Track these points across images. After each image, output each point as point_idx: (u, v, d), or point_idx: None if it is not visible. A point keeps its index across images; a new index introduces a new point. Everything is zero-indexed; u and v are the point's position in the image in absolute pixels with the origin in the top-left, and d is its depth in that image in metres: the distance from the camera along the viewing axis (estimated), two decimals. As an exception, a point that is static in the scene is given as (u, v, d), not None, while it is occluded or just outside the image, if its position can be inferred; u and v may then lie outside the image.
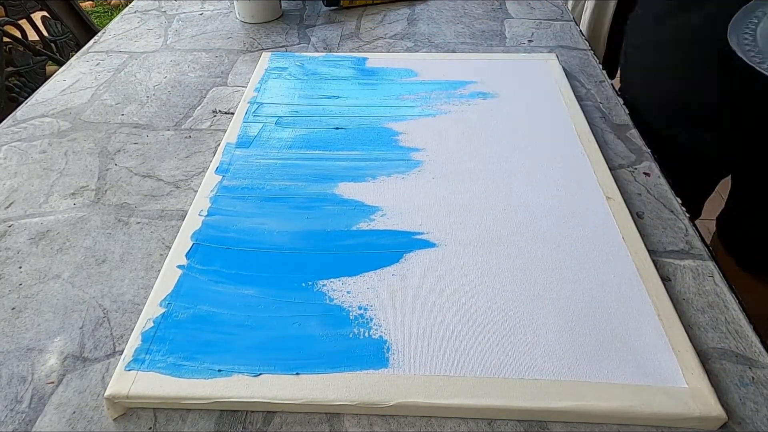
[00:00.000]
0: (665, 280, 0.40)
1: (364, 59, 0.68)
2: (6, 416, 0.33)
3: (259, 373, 0.34)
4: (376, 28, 0.78)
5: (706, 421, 0.32)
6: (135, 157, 0.54)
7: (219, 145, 0.54)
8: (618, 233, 0.43)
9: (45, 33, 1.64)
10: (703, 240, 0.44)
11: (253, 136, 0.55)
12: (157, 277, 0.40)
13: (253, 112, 0.58)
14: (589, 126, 0.55)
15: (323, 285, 0.39)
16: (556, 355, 0.35)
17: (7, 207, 0.48)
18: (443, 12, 0.83)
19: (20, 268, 0.42)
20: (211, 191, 0.48)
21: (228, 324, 0.37)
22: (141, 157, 0.54)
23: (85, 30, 1.75)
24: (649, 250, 0.42)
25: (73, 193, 0.49)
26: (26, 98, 0.64)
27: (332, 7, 0.84)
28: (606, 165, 0.50)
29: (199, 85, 0.65)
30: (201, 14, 0.83)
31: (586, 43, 0.74)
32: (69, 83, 0.66)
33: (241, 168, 0.50)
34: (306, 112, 0.58)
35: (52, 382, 0.35)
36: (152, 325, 0.36)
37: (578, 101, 0.59)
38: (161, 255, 0.43)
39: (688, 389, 0.33)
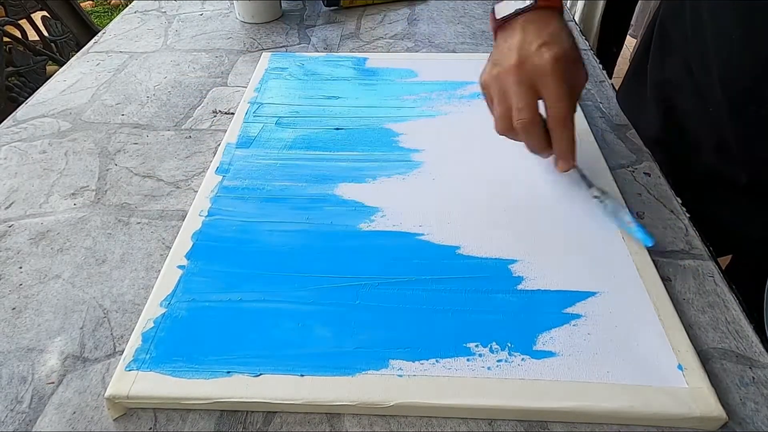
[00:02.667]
0: (665, 280, 0.40)
1: (365, 59, 0.68)
2: (6, 416, 0.33)
3: (259, 373, 0.34)
4: (376, 28, 0.78)
5: (706, 421, 0.32)
6: (135, 157, 0.54)
7: (219, 145, 0.54)
8: (618, 233, 0.43)
9: (45, 33, 1.64)
10: (703, 240, 0.44)
11: (253, 137, 0.55)
12: (157, 278, 0.40)
13: (254, 112, 0.58)
14: (589, 126, 0.55)
15: (323, 285, 0.39)
16: (556, 355, 0.35)
17: (7, 207, 0.48)
18: (443, 12, 0.83)
19: (20, 268, 0.42)
20: (212, 191, 0.48)
21: (228, 324, 0.37)
22: (141, 158, 0.54)
23: (85, 30, 1.75)
24: (649, 250, 0.42)
25: (73, 194, 0.49)
26: (26, 98, 0.64)
27: (332, 7, 0.84)
28: (606, 165, 0.50)
29: (199, 85, 0.65)
30: (201, 14, 0.83)
31: (586, 42, 0.74)
32: (69, 83, 0.66)
33: (241, 168, 0.50)
34: (306, 112, 0.58)
35: (53, 382, 0.35)
36: (152, 325, 0.36)
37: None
38: (161, 255, 0.43)
39: (688, 389, 0.33)
